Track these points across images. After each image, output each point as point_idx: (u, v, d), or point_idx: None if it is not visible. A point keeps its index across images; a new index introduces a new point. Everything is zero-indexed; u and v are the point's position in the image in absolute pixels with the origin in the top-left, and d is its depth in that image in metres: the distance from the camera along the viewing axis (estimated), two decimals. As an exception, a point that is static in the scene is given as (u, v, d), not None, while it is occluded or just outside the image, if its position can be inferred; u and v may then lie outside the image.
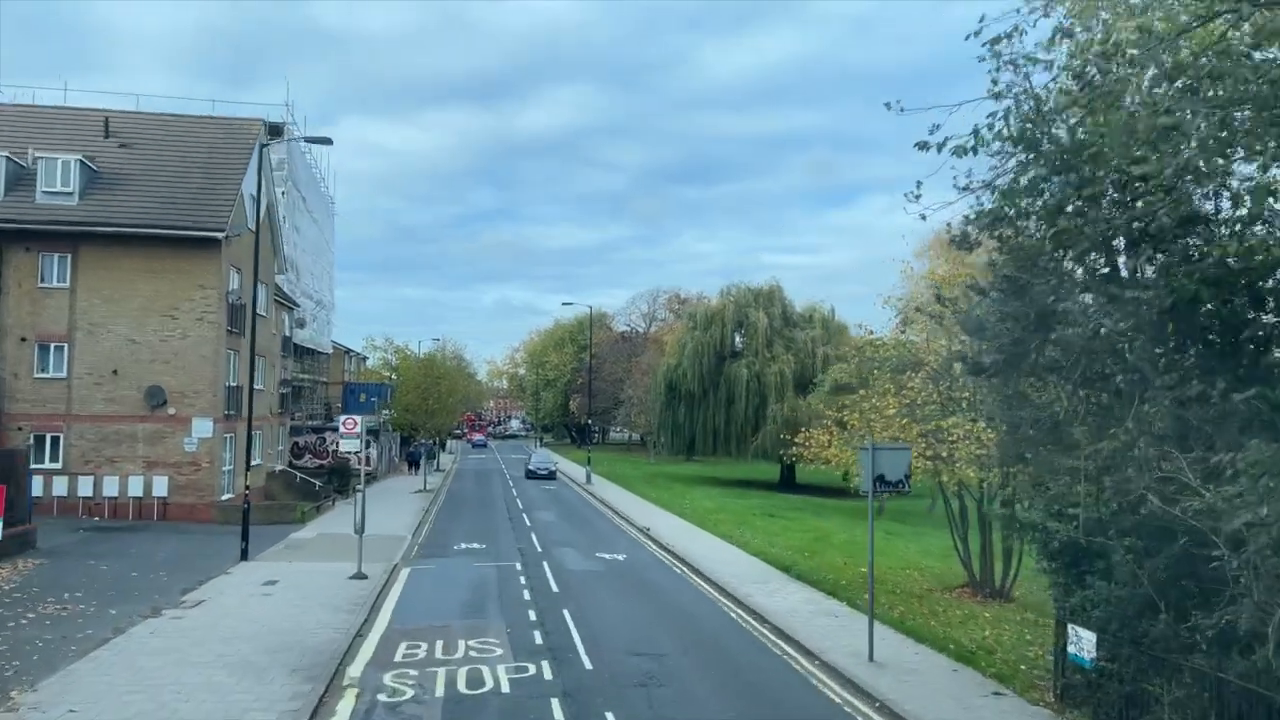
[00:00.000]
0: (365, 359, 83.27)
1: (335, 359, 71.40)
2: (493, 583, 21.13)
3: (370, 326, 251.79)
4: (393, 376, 47.93)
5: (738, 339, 52.50)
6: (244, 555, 22.83)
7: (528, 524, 33.10)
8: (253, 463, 34.92)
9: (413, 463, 61.36)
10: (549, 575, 22.07)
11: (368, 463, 50.17)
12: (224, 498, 30.82)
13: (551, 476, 54.10)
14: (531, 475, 53.88)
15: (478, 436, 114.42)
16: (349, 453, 49.84)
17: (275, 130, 52.96)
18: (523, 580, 21.34)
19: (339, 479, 40.89)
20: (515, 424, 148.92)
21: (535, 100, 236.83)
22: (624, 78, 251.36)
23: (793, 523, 34.48)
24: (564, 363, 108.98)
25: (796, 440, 29.32)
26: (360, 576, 20.82)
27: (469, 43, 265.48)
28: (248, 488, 23.62)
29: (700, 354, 51.85)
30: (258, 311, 36.86)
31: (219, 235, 29.34)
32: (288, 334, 45.64)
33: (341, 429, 21.81)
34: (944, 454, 17.71)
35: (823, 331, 52.39)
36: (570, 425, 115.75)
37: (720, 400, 51.85)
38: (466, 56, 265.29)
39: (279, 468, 37.47)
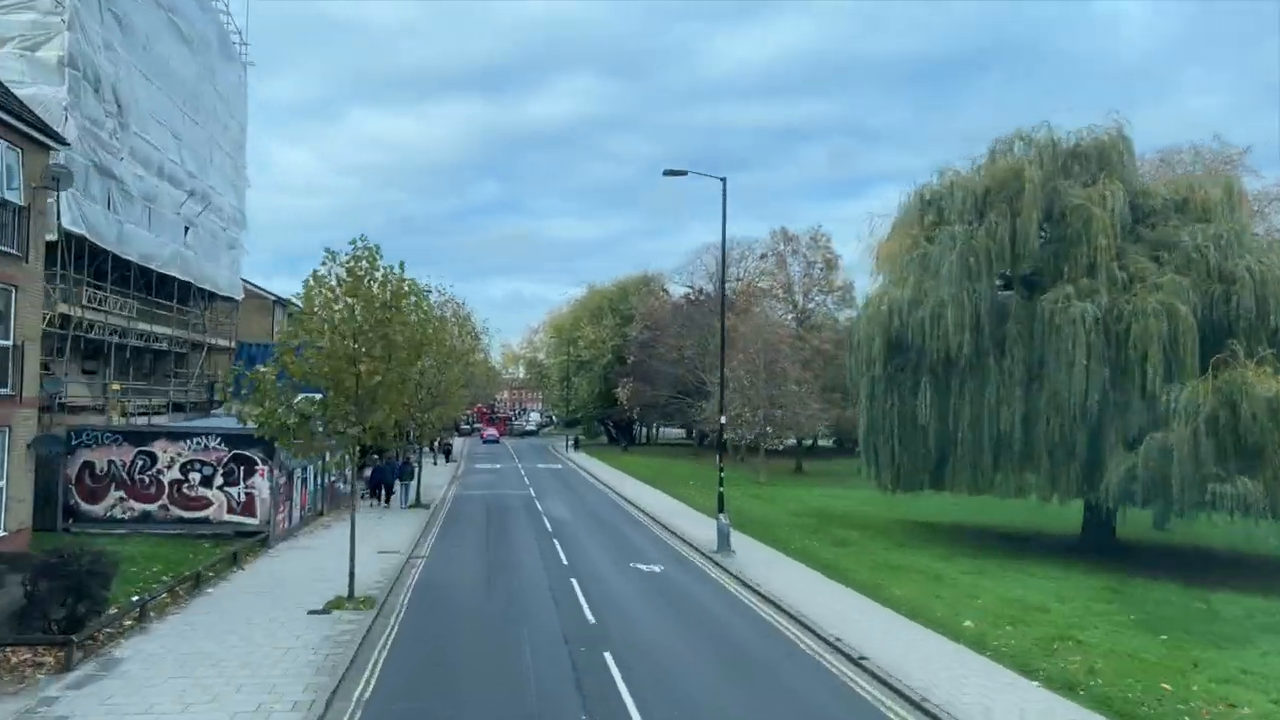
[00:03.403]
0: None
1: (254, 314, 44.03)
2: None
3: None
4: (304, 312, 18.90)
5: (1038, 245, 24.57)
6: None
7: None
8: None
9: (376, 489, 34.25)
10: None
11: (249, 510, 22.82)
12: None
13: None
14: None
15: (490, 432, 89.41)
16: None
17: None
18: None
19: (79, 598, 13.30)
20: (534, 417, 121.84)
21: (540, 92, 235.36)
22: (630, 69, 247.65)
23: None
24: (604, 339, 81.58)
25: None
26: None
27: (474, 33, 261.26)
28: None
29: (966, 273, 23.88)
30: None
31: None
32: (13, 198, 18.09)
33: None
34: None
35: (1230, 228, 24.38)
36: (607, 420, 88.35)
37: (1010, 374, 23.89)
38: (471, 47, 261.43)
39: None
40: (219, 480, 23.20)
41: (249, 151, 39.67)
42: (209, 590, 17.85)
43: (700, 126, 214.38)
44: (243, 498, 23.25)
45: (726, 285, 77.58)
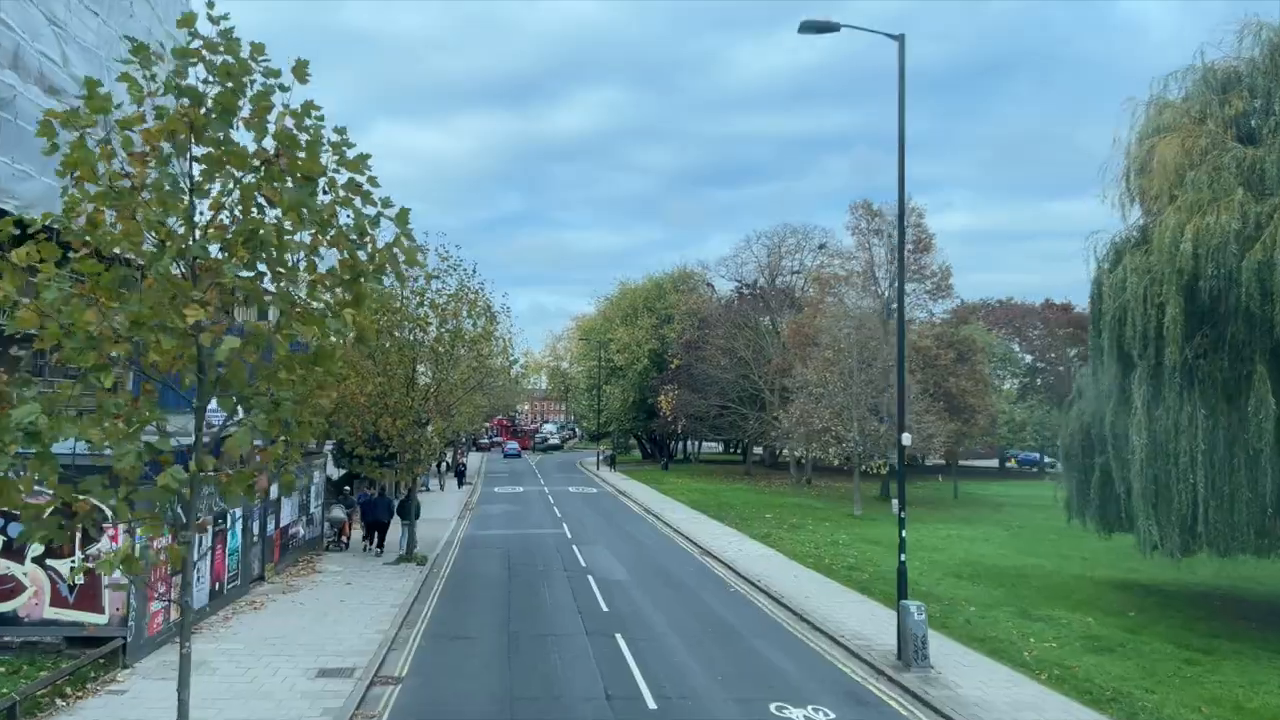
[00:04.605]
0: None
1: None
2: None
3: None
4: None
5: None
6: None
7: None
8: None
9: (371, 527, 24.29)
10: None
11: (89, 601, 12.62)
12: None
13: None
14: None
15: (510, 444, 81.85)
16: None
17: None
18: None
19: None
20: (549, 428, 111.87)
21: (565, 104, 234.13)
22: (654, 80, 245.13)
23: None
24: (640, 340, 71.55)
25: None
26: None
27: (499, 45, 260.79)
28: None
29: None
30: None
31: None
32: None
33: None
34: None
35: None
36: (644, 434, 78.21)
37: None
38: (496, 59, 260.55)
39: None
40: (35, 547, 13.20)
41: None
42: None
43: (723, 136, 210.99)
44: (79, 578, 13.23)
45: (779, 279, 67.86)
